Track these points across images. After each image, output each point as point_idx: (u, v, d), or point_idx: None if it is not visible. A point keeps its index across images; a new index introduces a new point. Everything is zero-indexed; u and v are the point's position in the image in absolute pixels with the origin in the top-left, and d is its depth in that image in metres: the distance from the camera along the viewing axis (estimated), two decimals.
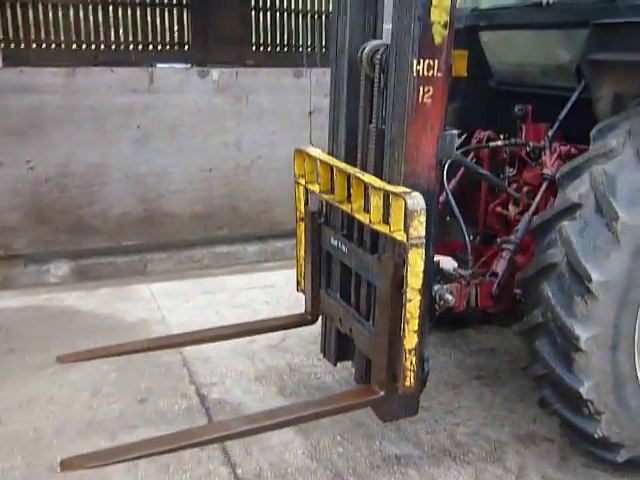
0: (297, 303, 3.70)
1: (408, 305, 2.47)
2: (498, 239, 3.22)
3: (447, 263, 3.42)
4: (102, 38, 9.57)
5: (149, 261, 5.46)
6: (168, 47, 10.13)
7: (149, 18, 9.86)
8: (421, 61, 2.47)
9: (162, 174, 5.45)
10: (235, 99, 5.58)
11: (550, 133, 3.21)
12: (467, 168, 3.38)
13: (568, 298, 2.53)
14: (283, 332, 4.03)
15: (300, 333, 4.06)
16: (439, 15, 2.45)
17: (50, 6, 9.20)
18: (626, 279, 2.48)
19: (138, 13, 9.90)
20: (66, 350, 3.37)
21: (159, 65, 7.22)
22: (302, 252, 3.33)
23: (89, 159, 5.18)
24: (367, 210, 2.66)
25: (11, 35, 8.49)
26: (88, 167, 5.20)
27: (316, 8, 11.01)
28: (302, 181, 3.16)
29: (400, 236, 2.47)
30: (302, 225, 3.28)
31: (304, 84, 5.78)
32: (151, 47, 10.01)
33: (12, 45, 8.48)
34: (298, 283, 3.41)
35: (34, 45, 8.88)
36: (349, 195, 2.80)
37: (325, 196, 3.00)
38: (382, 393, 2.70)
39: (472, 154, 3.59)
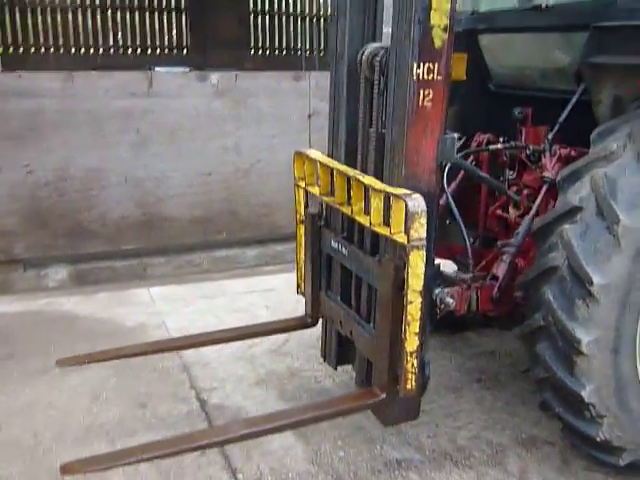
0: (297, 307, 3.69)
1: (409, 307, 2.47)
2: (498, 242, 3.22)
3: (447, 266, 3.41)
4: (100, 42, 9.57)
5: (148, 265, 5.45)
6: (166, 51, 10.13)
7: (147, 22, 9.87)
8: (421, 64, 2.47)
9: (161, 178, 5.44)
10: (234, 103, 5.57)
11: (550, 136, 3.20)
12: (467, 171, 3.38)
13: (569, 301, 2.53)
14: (283, 336, 4.03)
15: (300, 337, 4.06)
16: (439, 19, 2.45)
17: (48, 10, 9.20)
18: (627, 282, 2.47)
19: (136, 17, 9.91)
20: (65, 355, 3.38)
21: (157, 69, 7.21)
22: (302, 255, 3.32)
23: (88, 163, 5.17)
24: (367, 212, 2.66)
25: (9, 39, 8.48)
26: (87, 171, 5.19)
27: (314, 11, 11.02)
28: (302, 184, 3.16)
29: (401, 238, 2.47)
30: (302, 228, 3.28)
31: (303, 87, 5.78)
32: (149, 51, 10.01)
33: (10, 49, 8.46)
34: (298, 286, 3.41)
35: (32, 49, 8.88)
36: (349, 197, 2.79)
37: (325, 198, 3.00)
38: (383, 396, 2.70)
39: (472, 157, 3.59)
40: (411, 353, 2.54)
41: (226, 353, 3.93)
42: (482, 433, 3.19)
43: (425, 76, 2.49)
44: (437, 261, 2.88)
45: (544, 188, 3.13)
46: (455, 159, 2.78)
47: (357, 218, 2.76)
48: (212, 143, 5.55)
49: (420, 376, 2.64)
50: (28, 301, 4.78)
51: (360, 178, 2.66)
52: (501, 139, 3.54)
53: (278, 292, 4.94)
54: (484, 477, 2.88)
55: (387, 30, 2.88)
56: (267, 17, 10.87)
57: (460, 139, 3.43)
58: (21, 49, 8.63)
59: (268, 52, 10.74)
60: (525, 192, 3.39)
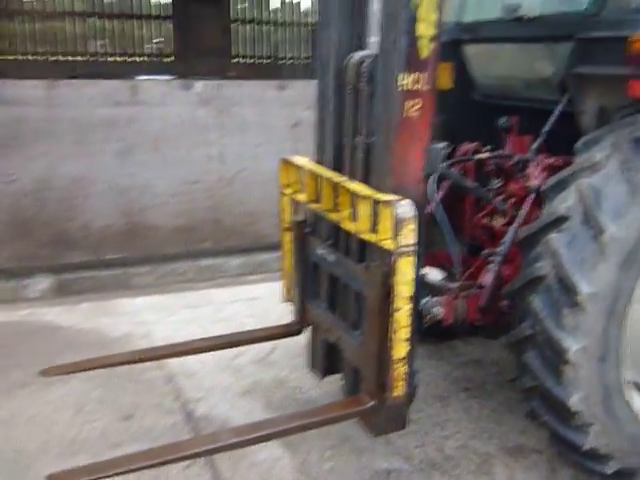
0: (282, 316, 3.67)
1: (397, 314, 2.46)
2: (484, 251, 3.23)
3: (433, 275, 3.42)
4: (82, 50, 9.52)
5: (132, 275, 5.40)
6: (149, 59, 10.11)
7: (130, 30, 9.84)
8: (408, 75, 2.48)
9: (145, 187, 5.40)
10: (218, 111, 5.56)
11: (535, 145, 3.22)
12: (454, 181, 3.39)
13: (556, 310, 2.54)
14: (269, 346, 4.01)
15: (287, 346, 4.04)
16: (425, 29, 2.46)
17: (30, 17, 9.14)
18: (614, 291, 2.49)
19: (119, 25, 9.87)
20: (48, 366, 3.32)
21: (140, 77, 7.18)
22: (287, 262, 3.31)
23: (71, 172, 5.13)
24: (355, 219, 2.65)
25: None
26: (70, 180, 5.14)
27: (297, 20, 11.05)
28: (288, 191, 3.15)
29: (388, 245, 2.46)
30: (287, 235, 3.27)
31: (287, 96, 5.78)
32: (132, 59, 9.98)
33: None
34: (284, 293, 3.39)
35: (13, 57, 8.81)
36: (336, 204, 2.79)
37: (312, 205, 2.99)
38: (371, 403, 2.68)
39: (458, 166, 3.60)
40: (399, 360, 2.53)
41: (211, 363, 3.90)
42: (470, 442, 3.19)
43: (412, 86, 2.49)
44: (422, 270, 2.89)
45: (529, 197, 3.15)
46: (442, 169, 2.79)
47: (344, 225, 2.76)
48: (196, 152, 5.53)
49: (408, 383, 2.64)
50: (9, 311, 4.71)
51: (347, 184, 2.66)
52: (486, 148, 3.56)
53: (263, 301, 4.92)
54: None
55: (373, 40, 2.90)
56: (250, 26, 10.90)
57: (445, 149, 3.44)
58: (1, 57, 8.57)
59: (251, 61, 10.76)
60: (510, 201, 3.41)
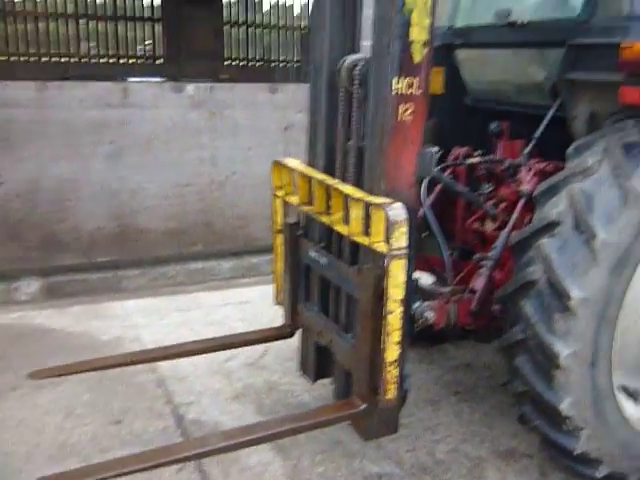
0: (274, 319, 3.67)
1: (389, 317, 2.46)
2: (475, 255, 3.24)
3: (424, 279, 3.42)
4: (72, 51, 9.47)
5: (123, 278, 5.37)
6: (140, 61, 10.07)
7: (120, 31, 9.80)
8: (401, 79, 2.48)
9: (136, 190, 5.39)
10: (210, 114, 5.55)
11: (526, 150, 3.24)
12: (445, 185, 3.40)
13: (547, 315, 2.55)
14: (260, 349, 4.00)
15: (278, 350, 4.04)
16: (418, 34, 2.47)
17: (18, 18, 9.09)
18: (605, 295, 2.50)
19: (110, 26, 9.83)
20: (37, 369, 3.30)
21: (131, 79, 7.16)
22: (279, 265, 3.30)
23: (62, 174, 5.11)
24: (347, 222, 2.65)
25: None
26: (60, 182, 5.12)
27: (290, 23, 11.05)
28: (280, 193, 3.15)
29: (381, 247, 2.47)
30: (279, 237, 3.26)
31: (279, 100, 5.79)
32: (123, 60, 9.93)
33: None
34: (276, 296, 3.38)
35: (3, 58, 8.75)
36: (328, 207, 2.79)
37: (304, 208, 2.99)
38: (363, 406, 2.68)
39: (449, 170, 3.61)
40: (391, 363, 2.53)
41: (202, 367, 3.89)
42: (461, 446, 3.19)
43: (405, 91, 2.50)
44: (414, 274, 2.89)
45: (521, 202, 3.16)
46: (434, 173, 2.80)
47: (336, 227, 2.76)
48: (188, 154, 5.52)
49: (400, 386, 2.64)
50: None
51: (339, 187, 2.66)
52: (477, 153, 3.57)
53: (254, 304, 4.92)
54: None
55: (366, 44, 2.91)
56: (242, 28, 10.88)
57: (437, 153, 3.45)
58: None
59: (243, 63, 10.74)
60: (502, 206, 3.42)
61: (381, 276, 2.50)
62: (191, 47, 9.36)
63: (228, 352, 3.89)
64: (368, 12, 2.75)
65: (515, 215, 3.15)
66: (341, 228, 2.72)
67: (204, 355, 3.74)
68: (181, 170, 5.52)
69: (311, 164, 3.05)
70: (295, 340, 3.34)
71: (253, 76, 9.96)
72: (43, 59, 9.23)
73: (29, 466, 2.95)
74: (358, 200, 2.55)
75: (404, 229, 2.38)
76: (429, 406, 3.54)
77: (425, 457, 3.10)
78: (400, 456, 3.10)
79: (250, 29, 10.89)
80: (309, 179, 2.90)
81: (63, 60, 9.31)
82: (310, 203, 2.94)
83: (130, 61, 9.88)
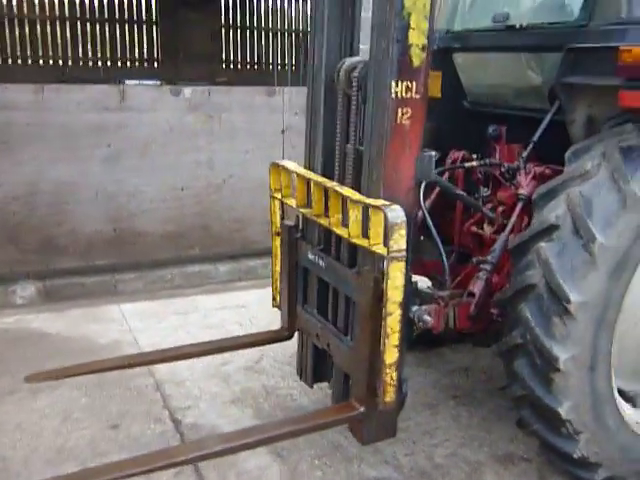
0: (271, 323, 3.67)
1: (388, 319, 2.46)
2: (474, 258, 3.23)
3: (421, 282, 3.42)
4: (70, 54, 9.48)
5: (120, 281, 5.36)
6: (137, 64, 10.08)
7: (118, 34, 9.82)
8: (399, 83, 2.49)
9: (133, 193, 5.37)
10: (207, 117, 5.54)
11: (525, 154, 3.24)
12: (443, 188, 3.39)
13: (546, 319, 2.55)
14: (258, 353, 3.99)
15: (275, 354, 4.04)
16: (417, 37, 2.47)
17: (16, 22, 9.09)
18: (604, 299, 2.50)
19: (107, 29, 9.84)
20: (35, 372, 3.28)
21: (128, 82, 7.16)
22: (277, 267, 3.30)
23: (60, 177, 5.09)
24: (346, 224, 2.65)
25: None
26: (58, 185, 5.11)
27: (287, 27, 11.07)
28: (278, 195, 3.15)
29: (380, 250, 2.47)
30: (277, 240, 3.26)
31: (276, 103, 5.78)
32: (120, 63, 9.95)
33: None
34: (273, 299, 3.38)
35: (0, 61, 8.75)
36: (327, 209, 2.79)
37: (302, 210, 2.99)
38: (361, 409, 2.67)
39: (447, 174, 3.61)
40: (390, 365, 2.53)
41: (200, 370, 3.88)
42: (459, 450, 3.19)
43: (403, 94, 2.50)
44: (413, 278, 2.89)
45: (519, 205, 3.16)
46: (433, 177, 2.80)
47: (335, 230, 2.76)
48: (185, 158, 5.51)
49: (399, 389, 2.63)
50: None
51: (338, 189, 2.66)
52: (475, 156, 3.57)
53: (251, 308, 4.91)
54: None
55: (364, 47, 2.91)
56: (239, 32, 10.90)
57: (436, 156, 3.45)
58: None
59: (240, 67, 10.76)
60: (500, 209, 3.42)
61: (380, 278, 2.50)
62: (188, 50, 9.39)
63: (226, 356, 3.89)
64: (366, 15, 2.76)
65: (513, 218, 3.15)
66: (340, 230, 2.72)
67: (201, 359, 3.75)
68: (178, 173, 5.51)
69: (309, 167, 3.05)
70: (293, 344, 3.34)
71: (250, 79, 9.98)
72: (41, 62, 9.25)
73: (27, 470, 2.94)
74: (357, 202, 2.55)
75: (403, 231, 2.38)
76: (427, 410, 3.54)
77: (424, 461, 3.10)
78: (399, 460, 3.09)
79: (247, 32, 10.91)
80: (307, 181, 2.90)
81: (61, 63, 9.34)
82: (308, 205, 2.94)
83: (128, 64, 9.91)
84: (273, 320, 3.45)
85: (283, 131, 5.81)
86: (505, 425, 3.35)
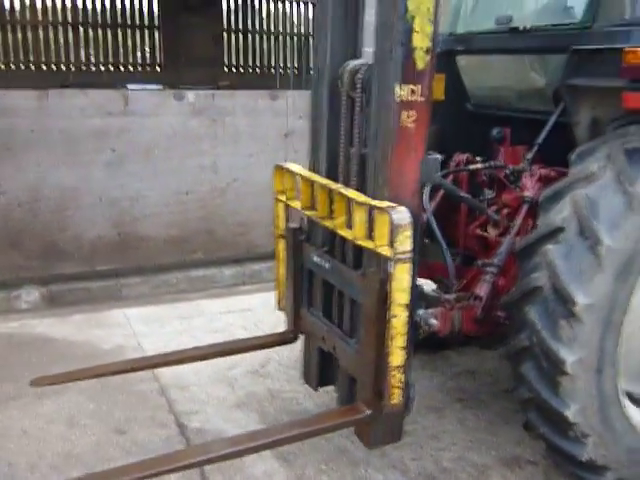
0: (276, 327, 3.66)
1: (394, 321, 2.45)
2: (479, 261, 3.23)
3: (427, 286, 3.41)
4: (72, 59, 9.49)
5: (124, 286, 5.36)
6: (140, 68, 10.09)
7: (120, 39, 9.83)
8: (404, 86, 2.48)
9: (137, 197, 5.38)
10: (211, 121, 5.55)
11: (529, 156, 3.23)
12: (448, 191, 3.39)
13: (553, 322, 2.54)
14: (263, 357, 3.99)
15: (280, 358, 4.03)
16: (421, 41, 2.47)
17: (19, 27, 9.11)
18: (610, 302, 2.49)
19: (109, 34, 9.85)
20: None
21: (131, 86, 7.17)
22: (282, 270, 3.29)
23: (63, 183, 5.10)
24: (350, 226, 2.65)
25: None
26: (61, 191, 5.11)
27: (288, 30, 11.08)
28: (282, 197, 3.14)
29: (385, 251, 2.46)
30: (282, 242, 3.25)
31: (280, 106, 5.78)
32: (122, 68, 9.96)
33: None
34: (278, 301, 3.38)
35: (3, 66, 8.76)
36: (331, 211, 2.79)
37: (307, 212, 2.98)
38: (368, 412, 2.67)
39: (451, 176, 3.61)
40: (396, 367, 2.53)
41: (205, 375, 3.87)
42: (466, 454, 3.18)
43: (408, 97, 2.50)
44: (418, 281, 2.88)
45: (524, 208, 3.16)
46: (438, 179, 2.79)
47: (340, 232, 2.75)
48: (188, 162, 5.52)
49: (405, 391, 2.62)
50: (0, 323, 4.65)
51: (343, 191, 2.65)
52: (479, 159, 3.57)
53: (256, 312, 4.91)
54: None
55: (367, 50, 2.91)
56: (241, 36, 10.90)
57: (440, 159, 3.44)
58: None
59: (243, 70, 10.76)
60: (504, 211, 3.41)
61: (385, 280, 2.49)
62: (190, 54, 9.39)
63: (231, 360, 3.88)
64: (369, 19, 2.76)
65: (518, 221, 3.14)
66: (344, 232, 2.72)
67: (206, 363, 3.74)
68: (182, 177, 5.51)
69: (313, 171, 3.05)
70: (298, 347, 3.33)
71: (253, 83, 9.99)
72: (43, 67, 9.26)
73: (33, 476, 2.94)
74: (362, 204, 2.54)
75: (409, 232, 2.37)
76: (433, 413, 3.53)
77: (431, 465, 3.09)
78: (405, 464, 3.08)
79: (249, 36, 10.92)
80: (312, 183, 2.89)
81: (63, 68, 9.35)
82: (313, 207, 2.94)
83: (131, 68, 9.92)
84: (278, 324, 3.44)
85: (286, 135, 5.81)
86: (511, 428, 3.34)
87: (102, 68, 9.78)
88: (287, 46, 11.11)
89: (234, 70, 10.82)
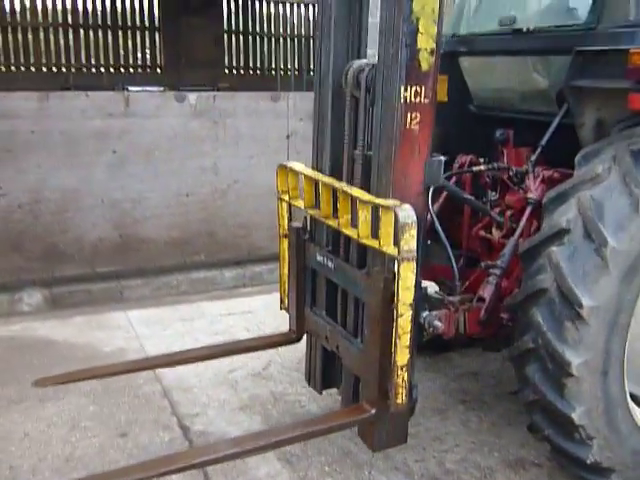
0: (278, 329, 3.65)
1: (399, 320, 2.45)
2: (483, 263, 3.22)
3: (431, 287, 3.40)
4: (73, 61, 9.49)
5: (125, 288, 5.35)
6: (140, 70, 10.10)
7: (120, 41, 9.83)
8: (408, 88, 2.48)
9: (138, 199, 5.36)
10: (212, 123, 5.53)
11: (533, 157, 3.22)
12: (451, 193, 3.38)
13: (558, 323, 2.53)
14: (266, 360, 3.98)
15: (284, 361, 4.02)
16: (426, 42, 2.46)
17: (20, 29, 9.11)
18: (616, 303, 2.49)
19: (109, 36, 9.85)
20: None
21: (131, 88, 7.16)
22: (285, 270, 3.28)
23: (64, 184, 5.08)
24: (355, 225, 2.64)
25: None
26: (62, 193, 5.10)
27: (289, 32, 11.08)
28: (285, 197, 3.14)
29: (390, 250, 2.45)
30: (285, 242, 3.24)
31: (281, 108, 5.77)
32: (123, 70, 9.96)
33: None
34: (281, 301, 3.36)
35: (4, 69, 8.76)
36: (335, 210, 2.78)
37: (310, 211, 2.97)
38: (373, 411, 2.66)
39: (454, 178, 3.60)
40: (402, 367, 2.52)
41: (207, 377, 3.86)
42: (470, 456, 3.17)
43: (412, 99, 2.50)
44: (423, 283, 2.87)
45: (528, 209, 3.15)
46: (441, 181, 2.78)
47: (344, 231, 2.74)
48: (190, 163, 5.50)
49: (410, 391, 2.61)
50: (2, 326, 4.64)
51: (347, 190, 2.65)
52: (482, 160, 3.56)
53: (258, 314, 4.90)
54: None
55: (371, 51, 2.90)
56: (242, 37, 10.91)
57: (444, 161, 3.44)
58: None
59: (243, 72, 10.76)
60: (508, 213, 3.40)
61: (390, 279, 2.49)
62: (190, 56, 9.39)
63: (233, 362, 3.88)
64: (374, 20, 2.75)
65: (522, 223, 3.13)
66: (349, 231, 2.71)
67: (209, 365, 3.74)
68: (183, 179, 5.50)
69: (316, 171, 3.03)
70: (301, 350, 3.32)
71: (253, 84, 9.99)
72: (44, 69, 9.26)
73: (35, 479, 2.92)
74: (367, 202, 2.53)
75: (414, 231, 2.37)
76: (437, 415, 3.52)
77: (434, 467, 3.08)
78: (409, 466, 3.07)
79: (250, 38, 10.92)
80: (315, 182, 2.89)
81: (64, 70, 9.35)
82: (316, 207, 2.93)
83: (130, 70, 9.92)
84: (280, 325, 3.44)
85: (288, 136, 5.80)
86: (515, 430, 3.33)
87: (103, 70, 9.78)
88: (288, 48, 11.11)
89: (235, 72, 10.82)
